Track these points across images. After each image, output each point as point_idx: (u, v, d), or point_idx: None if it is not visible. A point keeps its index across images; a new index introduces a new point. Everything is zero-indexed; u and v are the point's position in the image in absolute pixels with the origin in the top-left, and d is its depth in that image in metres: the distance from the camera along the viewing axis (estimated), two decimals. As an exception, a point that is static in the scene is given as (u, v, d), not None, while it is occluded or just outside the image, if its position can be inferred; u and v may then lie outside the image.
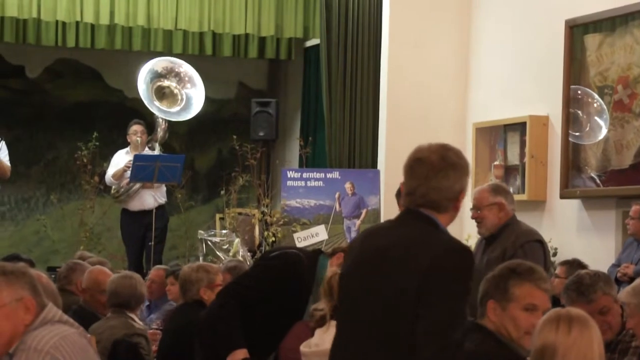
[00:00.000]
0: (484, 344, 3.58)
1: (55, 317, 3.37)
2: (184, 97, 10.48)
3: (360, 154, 10.87)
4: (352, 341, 3.25)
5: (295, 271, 4.71)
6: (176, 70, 10.52)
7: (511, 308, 3.62)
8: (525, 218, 6.61)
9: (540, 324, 3.46)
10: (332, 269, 4.59)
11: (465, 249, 3.22)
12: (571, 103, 8.87)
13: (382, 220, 9.59)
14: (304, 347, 4.33)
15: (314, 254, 4.85)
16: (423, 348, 3.05)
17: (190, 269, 5.87)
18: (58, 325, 3.34)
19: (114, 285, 5.88)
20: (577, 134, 8.86)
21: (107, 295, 5.87)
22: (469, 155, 10.12)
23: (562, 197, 8.92)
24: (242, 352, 4.57)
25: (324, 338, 4.25)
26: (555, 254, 8.40)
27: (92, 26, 11.18)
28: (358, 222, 9.97)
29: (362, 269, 3.28)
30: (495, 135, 9.74)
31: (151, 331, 6.41)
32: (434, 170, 3.23)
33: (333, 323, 4.23)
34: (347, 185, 10.15)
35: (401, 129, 10.34)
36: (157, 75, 10.45)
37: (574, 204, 8.85)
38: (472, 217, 6.17)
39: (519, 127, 9.35)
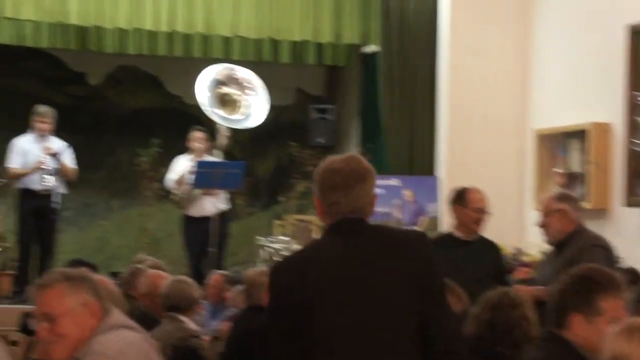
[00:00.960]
0: (560, 356, 3.55)
1: (120, 322, 3.40)
2: (246, 104, 10.45)
3: (419, 161, 10.83)
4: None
5: None
6: (236, 76, 10.53)
7: (598, 322, 3.59)
8: (588, 226, 6.54)
9: (613, 334, 3.41)
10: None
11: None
12: (633, 110, 8.76)
13: (442, 227, 9.55)
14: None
15: None
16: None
17: (256, 273, 5.89)
18: (123, 330, 3.37)
19: (166, 289, 5.93)
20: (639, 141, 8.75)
21: (161, 299, 5.92)
22: (530, 162, 10.05)
23: (625, 205, 8.81)
24: None
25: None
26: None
27: (152, 33, 11.28)
28: (417, 229, 9.94)
29: (345, 290, 3.32)
30: (556, 141, 9.64)
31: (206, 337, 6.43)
32: (354, 179, 3.40)
33: None
34: (406, 193, 10.12)
35: (460, 136, 10.30)
36: (218, 83, 10.46)
37: (638, 213, 8.74)
38: (538, 225, 6.13)
39: (580, 134, 9.25)
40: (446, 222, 9.46)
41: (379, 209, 10.06)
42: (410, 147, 10.87)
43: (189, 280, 6.13)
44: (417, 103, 10.90)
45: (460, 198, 6.45)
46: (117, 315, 3.41)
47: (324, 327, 3.30)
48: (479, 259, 6.27)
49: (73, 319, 3.30)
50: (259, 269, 6.08)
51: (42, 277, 3.42)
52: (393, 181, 10.24)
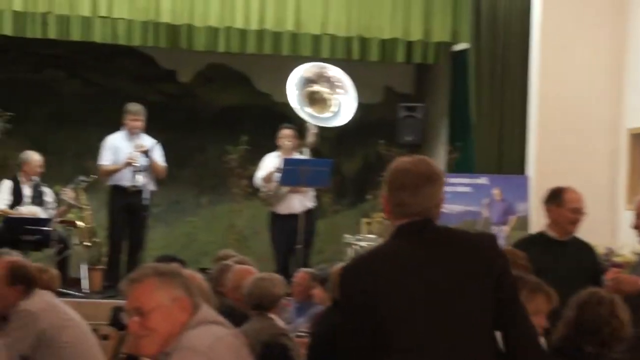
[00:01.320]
0: None
1: (210, 317, 3.40)
2: (336, 102, 10.45)
3: (509, 159, 10.70)
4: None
5: None
6: (326, 75, 10.52)
7: None
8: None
9: None
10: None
11: None
12: None
13: (531, 227, 9.42)
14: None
15: None
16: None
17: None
18: (213, 326, 3.37)
19: (250, 286, 5.93)
20: None
21: (246, 297, 5.92)
22: (623, 161, 9.86)
23: None
24: None
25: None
26: None
27: (242, 31, 11.34)
28: (506, 228, 9.82)
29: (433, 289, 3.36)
30: (650, 141, 9.45)
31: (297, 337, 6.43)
32: (422, 180, 3.42)
33: None
34: (495, 192, 10.02)
35: (551, 134, 10.15)
36: (308, 81, 10.47)
37: None
38: (631, 226, 6.00)
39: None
40: (536, 222, 9.33)
41: (467, 207, 10.01)
42: (499, 145, 10.76)
43: (273, 276, 6.12)
44: (507, 101, 10.78)
45: (556, 198, 6.32)
46: (207, 311, 3.41)
47: (397, 328, 3.31)
48: (573, 260, 6.16)
49: (163, 314, 3.31)
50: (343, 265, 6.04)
51: (133, 272, 3.44)
52: (482, 180, 10.13)
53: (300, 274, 8.13)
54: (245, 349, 3.45)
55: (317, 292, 7.50)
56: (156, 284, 3.35)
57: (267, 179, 10.29)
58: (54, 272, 6.04)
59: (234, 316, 5.79)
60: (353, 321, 3.37)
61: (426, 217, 3.41)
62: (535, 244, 6.17)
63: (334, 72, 10.53)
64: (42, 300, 5.29)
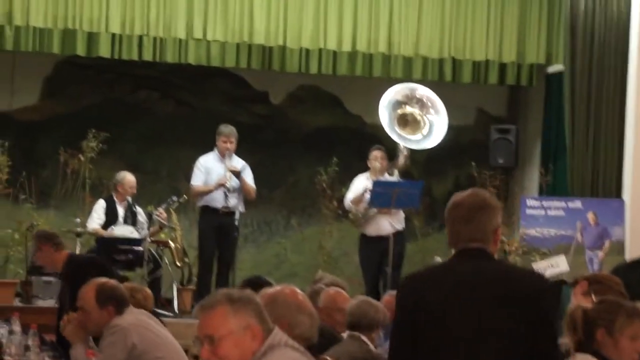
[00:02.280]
0: None
1: (281, 341, 3.36)
2: (427, 123, 10.39)
3: (604, 182, 10.51)
4: None
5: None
6: (417, 96, 10.47)
7: None
8: None
9: None
10: (574, 301, 4.48)
11: None
12: None
13: (627, 252, 9.22)
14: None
15: (557, 285, 4.75)
16: None
17: None
18: (286, 350, 3.33)
19: (352, 308, 5.93)
20: None
21: (347, 317, 5.92)
22: None
23: None
24: None
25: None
26: None
27: (334, 53, 11.36)
28: (601, 253, 9.63)
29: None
30: None
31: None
32: (474, 210, 3.78)
33: (579, 357, 4.09)
34: (590, 215, 9.84)
35: (648, 158, 9.94)
36: (399, 103, 10.43)
37: None
38: None
39: None
40: (632, 247, 9.14)
41: (560, 231, 9.85)
42: (594, 168, 10.58)
43: (376, 302, 6.14)
44: (602, 123, 10.60)
45: None
46: (280, 334, 3.37)
47: (438, 343, 3.65)
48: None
49: (234, 342, 3.27)
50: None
51: (204, 298, 3.42)
52: (576, 203, 9.96)
53: (388, 297, 8.05)
54: None
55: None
56: (228, 311, 3.31)
57: (357, 200, 10.27)
58: (148, 292, 6.11)
59: (323, 335, 5.79)
60: (402, 332, 3.71)
61: (481, 246, 3.72)
62: (635, 269, 6.03)
63: (425, 92, 10.47)
64: (133, 316, 5.34)
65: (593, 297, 4.66)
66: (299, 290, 4.60)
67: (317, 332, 4.02)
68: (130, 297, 5.61)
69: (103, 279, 5.74)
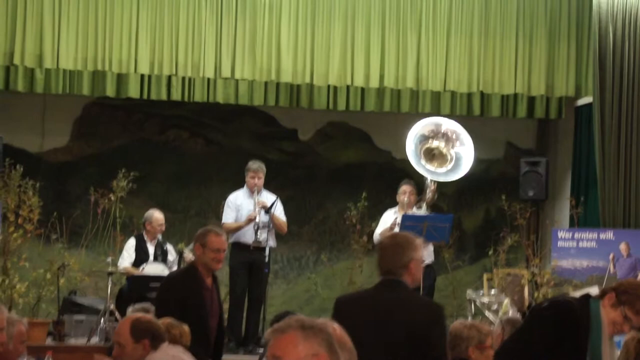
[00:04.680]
0: None
1: None
2: (453, 156, 10.42)
3: (637, 213, 10.44)
4: None
5: (570, 319, 4.54)
6: (442, 130, 10.50)
7: None
8: None
9: None
10: (604, 314, 4.51)
11: None
12: None
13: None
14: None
15: (584, 299, 4.68)
16: None
17: (462, 325, 5.77)
18: None
19: None
20: None
21: None
22: None
23: None
24: None
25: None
26: None
27: (362, 89, 11.39)
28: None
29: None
30: None
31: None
32: (390, 249, 4.88)
33: None
34: (622, 246, 9.76)
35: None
36: (425, 138, 10.46)
37: None
38: None
39: None
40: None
41: (593, 262, 9.77)
42: (626, 199, 10.51)
43: None
44: (633, 153, 10.56)
45: None
46: None
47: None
48: None
49: None
50: (466, 322, 5.94)
51: (278, 322, 3.41)
52: (608, 234, 9.88)
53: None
54: None
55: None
56: (299, 337, 3.28)
57: (386, 234, 10.24)
58: (185, 328, 6.09)
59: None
60: None
61: (395, 277, 4.76)
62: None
63: (450, 126, 10.49)
64: (167, 353, 5.32)
65: (622, 308, 4.59)
66: (337, 326, 4.60)
67: None
68: (166, 333, 5.60)
69: (139, 314, 5.74)
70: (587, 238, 9.91)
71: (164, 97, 11.15)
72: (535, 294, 10.01)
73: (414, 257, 4.85)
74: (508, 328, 6.04)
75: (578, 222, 10.99)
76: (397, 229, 10.04)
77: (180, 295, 6.73)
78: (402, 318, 4.71)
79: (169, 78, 11.10)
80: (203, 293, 6.83)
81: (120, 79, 11.00)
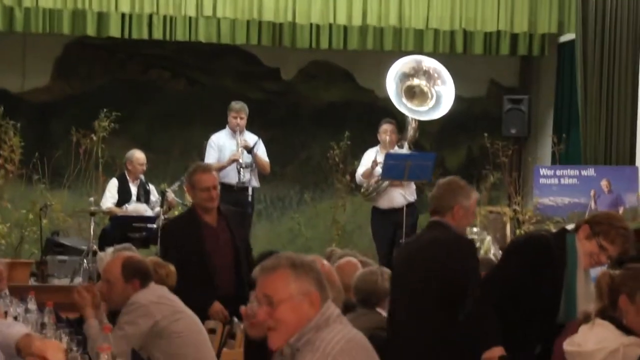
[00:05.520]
0: None
1: (335, 314, 3.34)
2: (434, 95, 10.43)
3: (617, 150, 10.48)
4: None
5: (545, 252, 4.60)
6: (424, 68, 10.48)
7: None
8: None
9: None
10: (580, 247, 4.59)
11: None
12: None
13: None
14: (567, 345, 4.18)
15: (560, 233, 4.73)
16: None
17: None
18: (342, 326, 3.31)
19: (356, 281, 5.87)
20: None
21: (353, 291, 5.87)
22: None
23: None
24: (499, 350, 4.50)
25: (587, 337, 4.09)
26: None
27: (345, 28, 11.33)
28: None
29: None
30: None
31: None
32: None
33: (598, 322, 4.07)
34: (603, 183, 9.81)
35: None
36: (406, 76, 10.44)
37: None
38: None
39: None
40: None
41: (574, 199, 9.82)
42: (608, 136, 10.55)
43: (381, 269, 6.06)
44: (615, 91, 10.57)
45: None
46: (333, 307, 3.35)
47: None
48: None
49: (292, 307, 3.27)
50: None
51: (267, 260, 3.41)
52: (589, 171, 9.93)
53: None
54: (370, 347, 3.39)
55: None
56: (289, 276, 3.29)
57: (367, 174, 10.27)
58: (172, 268, 6.10)
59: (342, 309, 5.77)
60: None
61: (439, 218, 5.19)
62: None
63: (431, 64, 10.49)
64: (153, 293, 5.35)
65: (597, 239, 4.62)
66: (326, 263, 4.61)
67: (342, 306, 4.01)
68: (153, 273, 5.62)
69: (129, 253, 5.76)
70: (569, 175, 9.95)
71: (145, 36, 11.08)
72: (517, 232, 10.07)
73: (460, 203, 5.00)
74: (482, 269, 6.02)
75: (560, 159, 11.03)
76: (378, 168, 10.07)
77: (175, 239, 6.66)
78: (430, 255, 4.96)
79: (150, 17, 11.01)
80: (202, 233, 6.68)
81: (101, 17, 10.91)
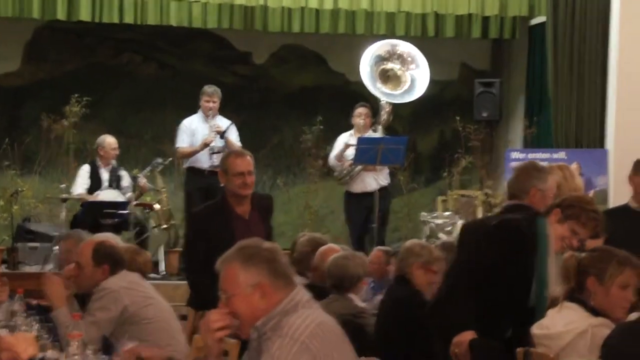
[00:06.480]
0: None
1: (303, 299, 3.34)
2: (409, 78, 10.43)
3: (588, 133, 10.53)
4: None
5: (517, 237, 4.62)
6: (398, 52, 10.49)
7: None
8: None
9: None
10: (551, 231, 4.60)
11: None
12: None
13: (611, 201, 9.25)
14: (535, 329, 4.20)
15: (531, 216, 4.74)
16: None
17: (418, 243, 5.84)
18: (311, 310, 3.32)
19: (329, 265, 5.88)
20: None
21: (327, 279, 5.87)
22: None
23: None
24: (470, 334, 4.52)
25: (555, 319, 4.12)
26: None
27: (317, 11, 11.30)
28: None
29: None
30: None
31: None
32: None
33: (566, 304, 4.09)
34: (574, 166, 9.83)
35: (631, 108, 9.96)
36: (380, 59, 10.44)
37: None
38: None
39: None
40: (615, 196, 9.17)
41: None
42: (578, 119, 10.60)
43: (355, 255, 6.06)
44: (585, 74, 10.60)
45: None
46: (302, 294, 3.35)
47: None
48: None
49: (242, 300, 3.29)
50: (423, 242, 5.99)
51: (224, 254, 3.41)
52: (560, 154, 9.98)
53: (376, 252, 8.06)
54: (341, 331, 3.40)
55: (393, 269, 7.44)
56: (237, 270, 3.31)
57: (340, 157, 10.27)
58: (148, 255, 6.07)
59: (313, 292, 5.78)
60: None
61: (517, 201, 4.91)
62: (617, 216, 6.04)
63: (406, 48, 10.49)
64: (123, 279, 5.33)
65: (569, 222, 4.64)
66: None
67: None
68: (131, 260, 5.60)
69: (102, 237, 5.73)
70: (540, 158, 9.92)
71: (115, 19, 10.98)
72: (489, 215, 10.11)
73: (536, 185, 4.83)
74: (444, 253, 6.02)
75: (531, 142, 11.08)
76: (349, 152, 10.07)
77: (204, 229, 6.19)
78: (477, 239, 4.83)
79: (121, 0, 10.93)
80: (232, 225, 6.19)
81: (71, 1, 10.81)
